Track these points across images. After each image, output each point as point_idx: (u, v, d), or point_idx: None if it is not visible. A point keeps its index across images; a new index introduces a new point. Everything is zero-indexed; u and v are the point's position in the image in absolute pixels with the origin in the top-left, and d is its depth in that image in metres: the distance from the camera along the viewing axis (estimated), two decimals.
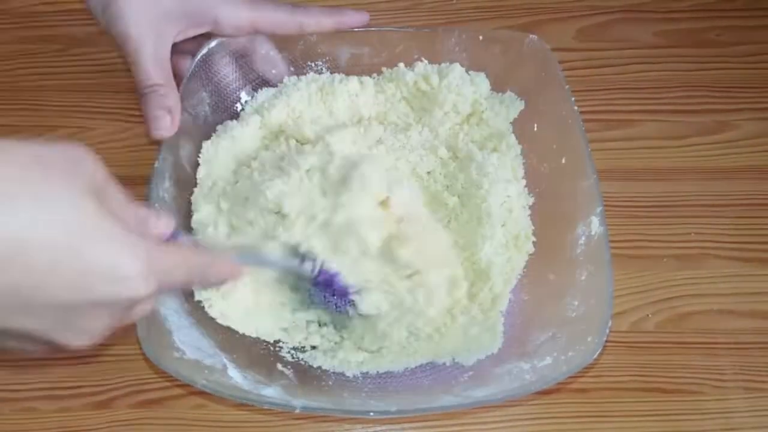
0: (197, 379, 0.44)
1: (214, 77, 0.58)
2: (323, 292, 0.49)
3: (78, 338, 0.34)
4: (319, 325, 0.53)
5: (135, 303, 0.33)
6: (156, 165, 0.51)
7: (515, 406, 0.52)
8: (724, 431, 0.51)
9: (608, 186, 0.58)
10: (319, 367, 0.51)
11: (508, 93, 0.59)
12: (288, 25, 0.56)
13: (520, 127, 0.58)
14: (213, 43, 0.56)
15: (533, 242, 0.54)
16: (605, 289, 0.47)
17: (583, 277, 0.50)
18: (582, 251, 0.51)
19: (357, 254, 0.49)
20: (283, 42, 0.59)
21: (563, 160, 0.54)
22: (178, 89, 0.54)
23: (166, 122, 0.52)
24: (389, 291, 0.50)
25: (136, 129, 0.63)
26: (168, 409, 0.52)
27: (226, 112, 0.59)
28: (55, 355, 0.50)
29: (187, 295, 0.50)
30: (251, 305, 0.52)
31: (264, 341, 0.52)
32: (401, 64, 0.59)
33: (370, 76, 0.60)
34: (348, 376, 0.51)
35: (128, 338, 0.54)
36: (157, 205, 0.51)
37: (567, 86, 0.55)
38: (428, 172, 0.57)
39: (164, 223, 0.39)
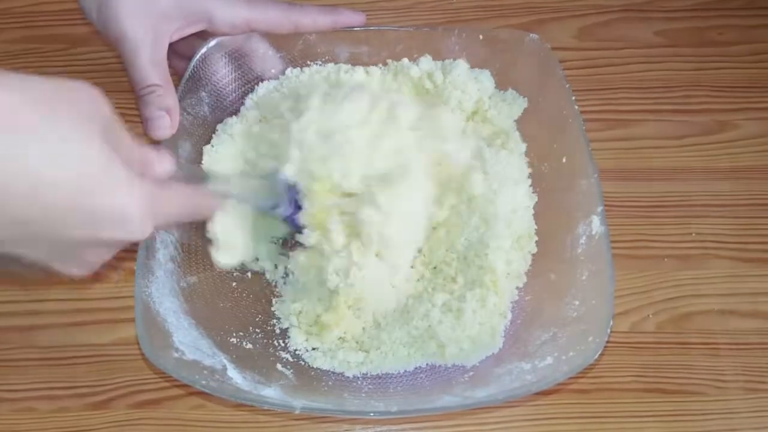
0: (197, 380, 0.44)
1: (212, 77, 0.58)
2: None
3: (77, 269, 0.38)
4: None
5: (131, 241, 0.36)
6: None
7: (516, 407, 0.52)
8: None
9: (608, 186, 0.58)
10: (319, 368, 0.51)
11: (511, 91, 0.59)
12: (283, 24, 0.56)
13: (520, 126, 0.58)
14: (212, 43, 0.56)
15: (535, 242, 0.54)
16: (606, 288, 0.47)
17: (584, 277, 0.50)
18: (583, 251, 0.51)
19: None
20: (282, 41, 0.59)
21: (564, 160, 0.54)
22: (176, 89, 0.54)
23: (165, 122, 0.51)
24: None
25: (136, 129, 0.63)
26: (167, 410, 0.52)
27: (225, 111, 0.59)
28: (53, 279, 0.53)
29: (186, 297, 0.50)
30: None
31: (263, 337, 0.52)
32: (405, 59, 0.59)
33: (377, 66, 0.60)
34: (348, 377, 0.51)
35: (128, 338, 0.54)
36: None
37: (568, 85, 0.54)
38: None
39: (166, 163, 0.41)
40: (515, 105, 0.58)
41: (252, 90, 0.60)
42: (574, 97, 0.54)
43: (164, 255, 0.50)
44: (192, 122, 0.56)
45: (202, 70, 0.57)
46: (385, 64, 0.60)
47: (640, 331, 0.55)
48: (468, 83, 0.58)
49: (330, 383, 0.50)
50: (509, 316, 0.52)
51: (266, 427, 0.52)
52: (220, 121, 0.58)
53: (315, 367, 0.51)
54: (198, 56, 0.56)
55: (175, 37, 0.54)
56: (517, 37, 0.58)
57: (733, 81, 0.65)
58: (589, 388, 0.53)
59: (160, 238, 0.50)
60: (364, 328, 0.52)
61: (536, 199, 0.56)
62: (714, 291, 0.56)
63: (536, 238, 0.54)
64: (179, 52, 0.56)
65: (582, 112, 0.54)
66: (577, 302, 0.49)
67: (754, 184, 0.61)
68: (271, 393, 0.46)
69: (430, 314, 0.51)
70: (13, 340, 0.54)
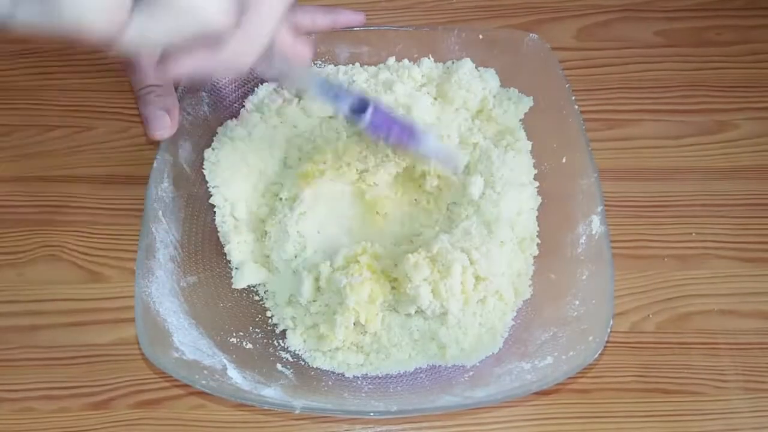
0: (197, 380, 0.44)
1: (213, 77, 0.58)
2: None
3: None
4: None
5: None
6: (155, 165, 0.51)
7: (516, 407, 0.52)
8: (724, 431, 0.51)
9: (608, 186, 0.58)
10: (319, 368, 0.51)
11: (513, 90, 0.59)
12: None
13: (522, 126, 0.58)
14: None
15: (537, 245, 0.54)
16: (606, 288, 0.47)
17: (584, 277, 0.50)
18: (583, 250, 0.51)
19: None
20: None
21: (564, 159, 0.54)
22: (176, 90, 0.54)
23: (165, 122, 0.51)
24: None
25: (136, 129, 0.63)
26: (167, 410, 0.52)
27: (226, 111, 0.59)
28: None
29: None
30: None
31: (263, 337, 0.52)
32: (405, 60, 0.59)
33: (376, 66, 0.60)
34: (348, 377, 0.51)
35: (128, 338, 0.54)
36: (156, 205, 0.51)
37: (567, 85, 0.55)
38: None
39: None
40: (521, 104, 0.58)
41: (252, 91, 0.60)
42: (573, 97, 0.54)
43: (164, 255, 0.50)
44: (192, 122, 0.56)
45: None
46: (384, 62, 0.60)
47: (640, 331, 0.55)
48: (473, 82, 0.58)
49: (330, 383, 0.50)
50: (510, 316, 0.52)
51: (266, 427, 0.52)
52: (221, 121, 0.58)
53: (315, 367, 0.51)
54: None
55: None
56: (517, 37, 0.58)
57: (732, 81, 0.65)
58: (589, 387, 0.53)
59: (160, 238, 0.51)
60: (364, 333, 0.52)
61: (540, 201, 0.56)
62: (714, 291, 0.56)
63: (538, 241, 0.54)
64: None
65: (582, 112, 0.54)
66: (577, 302, 0.49)
67: (754, 184, 0.61)
68: (271, 393, 0.46)
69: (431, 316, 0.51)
70: (13, 340, 0.54)
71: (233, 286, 0.54)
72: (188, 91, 0.56)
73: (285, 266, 0.54)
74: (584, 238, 0.51)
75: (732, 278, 0.57)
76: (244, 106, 0.59)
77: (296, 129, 0.58)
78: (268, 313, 0.54)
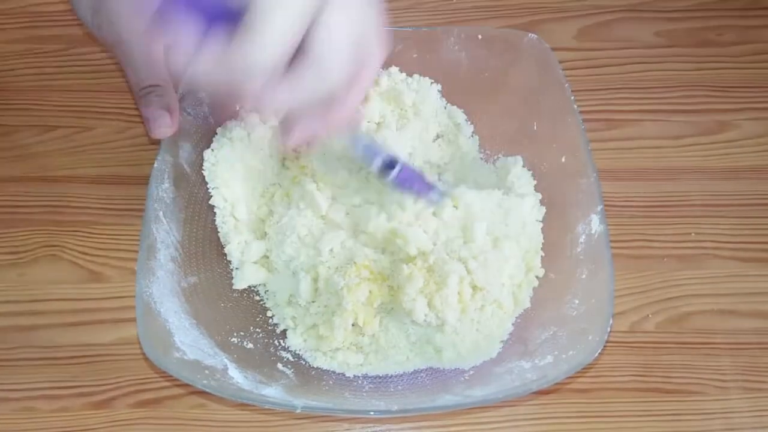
0: (198, 380, 0.44)
1: None
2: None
3: None
4: None
5: None
6: (155, 165, 0.51)
7: (516, 406, 0.52)
8: (724, 431, 0.51)
9: (608, 186, 0.58)
10: (319, 367, 0.51)
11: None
12: None
13: (520, 126, 0.58)
14: None
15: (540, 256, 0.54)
16: (606, 287, 0.47)
17: (583, 276, 0.50)
18: (582, 250, 0.51)
19: None
20: None
21: (563, 159, 0.54)
22: (176, 90, 0.54)
23: (165, 122, 0.51)
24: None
25: (136, 129, 0.63)
26: (167, 409, 0.52)
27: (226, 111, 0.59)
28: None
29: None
30: None
31: (264, 337, 0.52)
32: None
33: None
34: (348, 376, 0.51)
35: (129, 338, 0.54)
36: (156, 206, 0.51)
37: (567, 85, 0.55)
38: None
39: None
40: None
41: None
42: (573, 97, 0.54)
43: (165, 255, 0.50)
44: (192, 123, 0.56)
45: None
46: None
47: (639, 330, 0.55)
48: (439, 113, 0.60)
49: (331, 382, 0.50)
50: (509, 323, 0.52)
51: (267, 427, 0.52)
52: (220, 122, 0.58)
53: (315, 366, 0.51)
54: None
55: None
56: (517, 37, 0.58)
57: (732, 81, 0.65)
58: (588, 387, 0.53)
59: (161, 239, 0.51)
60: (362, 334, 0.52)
61: (545, 211, 0.55)
62: (713, 291, 0.56)
63: (542, 254, 0.54)
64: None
65: (581, 112, 0.54)
66: (576, 301, 0.49)
67: (753, 184, 0.61)
68: (272, 392, 0.46)
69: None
70: (13, 340, 0.54)
71: (234, 287, 0.54)
72: (188, 91, 0.56)
73: (284, 266, 0.54)
74: (584, 237, 0.51)
75: (731, 278, 0.57)
76: (243, 106, 0.59)
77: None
78: (269, 313, 0.54)
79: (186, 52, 0.34)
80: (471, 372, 0.50)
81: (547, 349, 0.48)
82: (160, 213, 0.51)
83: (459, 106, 0.61)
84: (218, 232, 0.55)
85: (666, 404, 0.52)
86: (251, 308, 0.54)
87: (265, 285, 0.55)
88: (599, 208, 0.50)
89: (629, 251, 0.58)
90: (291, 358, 0.52)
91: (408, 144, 0.58)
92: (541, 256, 0.54)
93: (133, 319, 0.46)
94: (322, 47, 0.34)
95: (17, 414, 0.52)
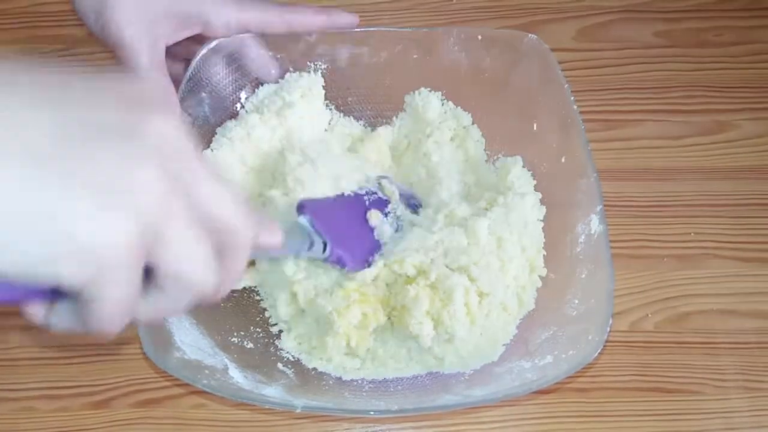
0: (198, 379, 0.44)
1: (213, 78, 0.58)
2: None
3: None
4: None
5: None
6: None
7: (515, 405, 0.52)
8: (724, 431, 0.51)
9: (608, 186, 0.58)
10: (316, 368, 0.51)
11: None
12: (276, 25, 0.56)
13: (520, 126, 0.58)
14: (212, 44, 0.56)
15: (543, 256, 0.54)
16: (606, 287, 0.47)
17: (583, 276, 0.50)
18: (582, 249, 0.51)
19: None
20: (282, 42, 0.59)
21: (563, 159, 0.54)
22: (176, 91, 0.54)
23: None
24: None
25: None
26: (167, 409, 0.52)
27: (226, 112, 0.59)
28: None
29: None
30: None
31: (264, 337, 0.52)
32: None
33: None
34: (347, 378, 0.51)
35: (129, 338, 0.54)
36: None
37: (567, 86, 0.55)
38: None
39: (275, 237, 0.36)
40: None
41: (252, 93, 0.60)
42: (573, 98, 0.54)
43: None
44: (192, 123, 0.56)
45: (203, 70, 0.57)
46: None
47: (639, 330, 0.55)
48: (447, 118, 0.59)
49: (331, 382, 0.50)
50: (514, 326, 0.52)
51: (267, 426, 0.52)
52: (221, 123, 0.58)
53: (313, 368, 0.51)
54: (199, 56, 0.56)
55: (171, 41, 0.54)
56: (517, 37, 0.58)
57: (731, 81, 0.65)
58: (588, 387, 0.53)
59: None
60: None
61: (545, 210, 0.55)
62: (713, 291, 0.56)
63: (544, 252, 0.54)
64: (175, 55, 0.56)
65: (581, 112, 0.54)
66: (576, 301, 0.49)
67: (753, 184, 0.61)
68: (272, 392, 0.46)
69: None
70: (13, 339, 0.54)
71: None
72: (189, 91, 0.56)
73: (277, 268, 0.53)
74: (583, 237, 0.51)
75: (731, 278, 0.57)
76: (243, 106, 0.59)
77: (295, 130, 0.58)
78: (267, 314, 0.54)
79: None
80: (471, 372, 0.50)
81: (547, 349, 0.48)
82: None
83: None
84: None
85: (666, 404, 0.52)
86: (251, 308, 0.54)
87: (262, 285, 0.55)
88: (599, 208, 0.50)
89: (629, 251, 0.58)
90: (291, 358, 0.52)
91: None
92: (543, 256, 0.54)
93: None
94: (166, 279, 0.29)
95: (17, 414, 0.52)
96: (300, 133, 0.57)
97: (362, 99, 0.61)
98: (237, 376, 0.47)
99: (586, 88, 0.64)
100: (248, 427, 0.52)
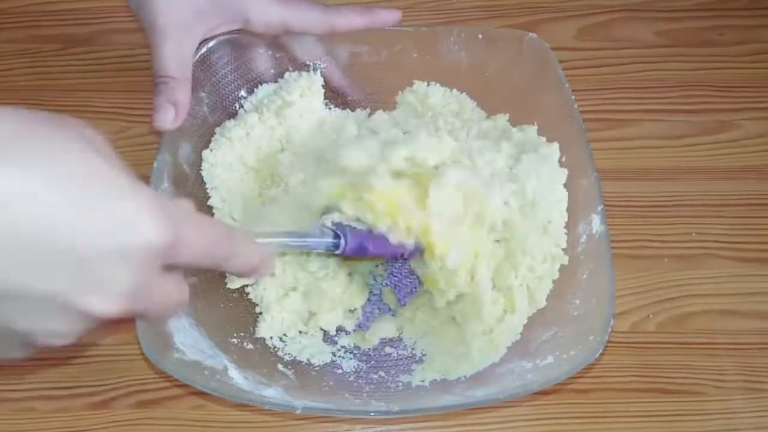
0: (198, 380, 0.44)
1: (212, 77, 0.58)
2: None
3: (104, 300, 0.28)
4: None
5: (151, 260, 0.29)
6: (155, 165, 0.51)
7: (516, 406, 0.52)
8: (724, 431, 0.51)
9: (608, 186, 0.58)
10: (319, 367, 0.51)
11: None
12: (319, 25, 0.56)
13: (520, 126, 0.58)
14: (211, 43, 0.56)
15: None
16: (607, 287, 0.47)
17: (584, 276, 0.50)
18: (583, 250, 0.51)
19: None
20: (281, 43, 0.59)
21: (563, 159, 0.54)
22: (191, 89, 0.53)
23: (168, 115, 0.51)
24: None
25: (136, 129, 0.63)
26: (167, 410, 0.52)
27: (225, 111, 0.59)
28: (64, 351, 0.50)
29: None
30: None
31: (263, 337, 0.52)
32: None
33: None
34: (349, 378, 0.51)
35: (129, 338, 0.54)
36: None
37: (567, 85, 0.54)
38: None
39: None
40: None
41: (252, 92, 0.60)
42: (573, 97, 0.54)
43: None
44: (191, 123, 0.56)
45: (203, 70, 0.57)
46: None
47: (640, 330, 0.55)
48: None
49: (331, 383, 0.50)
50: (519, 330, 0.51)
51: (267, 427, 0.52)
52: (220, 122, 0.58)
53: (314, 364, 0.51)
54: (198, 56, 0.56)
55: (210, 35, 0.55)
56: (517, 36, 0.58)
57: (732, 81, 0.65)
58: (589, 387, 0.53)
59: None
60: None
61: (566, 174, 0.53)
62: (714, 291, 0.56)
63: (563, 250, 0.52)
64: None
65: (581, 112, 0.54)
66: (577, 301, 0.49)
67: (754, 184, 0.61)
68: (272, 393, 0.46)
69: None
70: None
71: (227, 286, 0.54)
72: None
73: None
74: (584, 237, 0.51)
75: (732, 278, 0.57)
76: (242, 106, 0.59)
77: (294, 130, 0.58)
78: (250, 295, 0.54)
79: None
80: (472, 372, 0.50)
81: (548, 350, 0.48)
82: None
83: None
84: None
85: (666, 404, 0.52)
86: (251, 309, 0.54)
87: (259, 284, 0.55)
88: (600, 208, 0.50)
89: (630, 251, 0.58)
90: (291, 359, 0.52)
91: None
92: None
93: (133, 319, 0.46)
94: None
95: (17, 414, 0.52)
96: (299, 133, 0.57)
97: (362, 98, 0.61)
98: (237, 377, 0.47)
99: (586, 88, 0.64)
100: (248, 428, 0.52)
